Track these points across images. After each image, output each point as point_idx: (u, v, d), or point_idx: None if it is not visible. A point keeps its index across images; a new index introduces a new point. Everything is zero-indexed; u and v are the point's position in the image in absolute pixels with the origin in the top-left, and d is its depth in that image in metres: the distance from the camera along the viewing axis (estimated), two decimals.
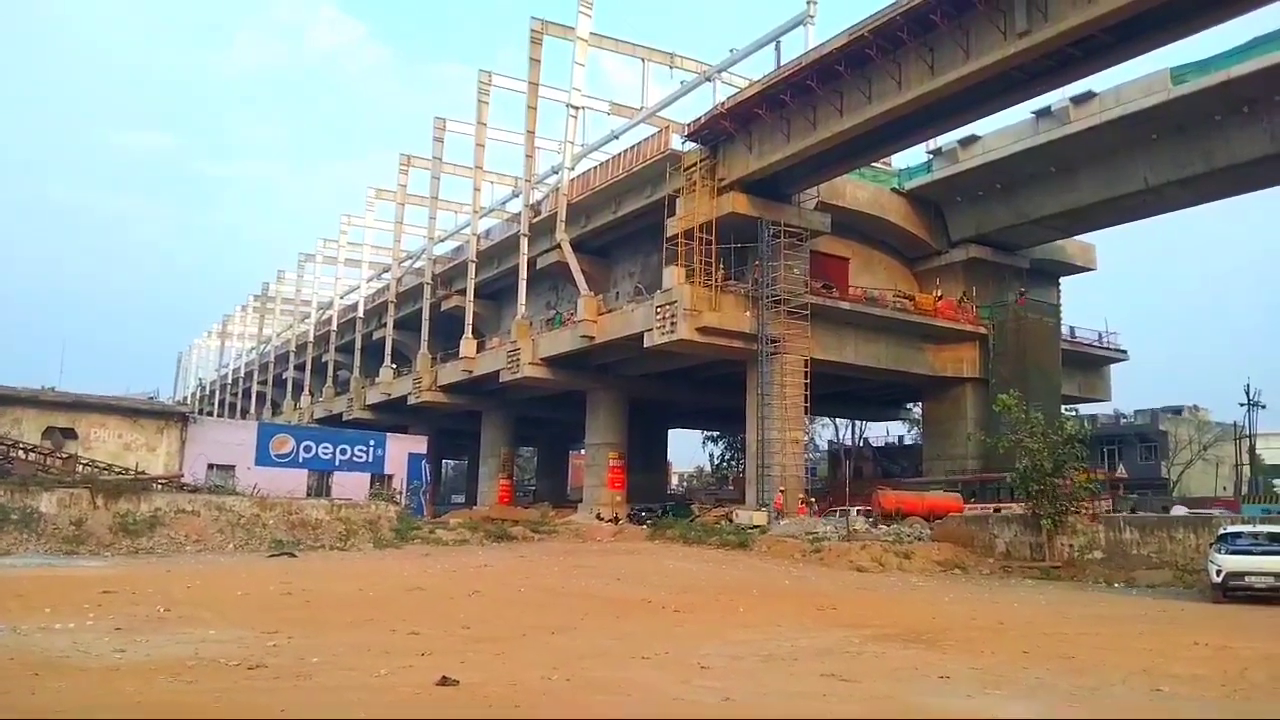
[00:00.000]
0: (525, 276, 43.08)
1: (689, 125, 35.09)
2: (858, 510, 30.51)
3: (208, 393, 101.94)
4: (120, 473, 27.34)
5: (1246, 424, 48.32)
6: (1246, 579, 16.66)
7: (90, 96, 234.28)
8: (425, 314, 53.41)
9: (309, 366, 72.89)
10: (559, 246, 40.67)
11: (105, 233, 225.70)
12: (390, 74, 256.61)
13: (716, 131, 34.00)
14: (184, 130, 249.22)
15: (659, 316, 33.40)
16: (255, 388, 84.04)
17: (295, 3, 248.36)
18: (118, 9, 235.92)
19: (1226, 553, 17.18)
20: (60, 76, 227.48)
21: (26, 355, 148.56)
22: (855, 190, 37.93)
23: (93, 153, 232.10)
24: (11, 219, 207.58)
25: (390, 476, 36.53)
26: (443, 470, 78.04)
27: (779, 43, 34.87)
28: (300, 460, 34.64)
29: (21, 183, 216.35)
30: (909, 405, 56.64)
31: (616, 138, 43.07)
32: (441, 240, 56.82)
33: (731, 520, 32.86)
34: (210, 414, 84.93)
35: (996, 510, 28.95)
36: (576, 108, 41.35)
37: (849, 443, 63.44)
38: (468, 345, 47.05)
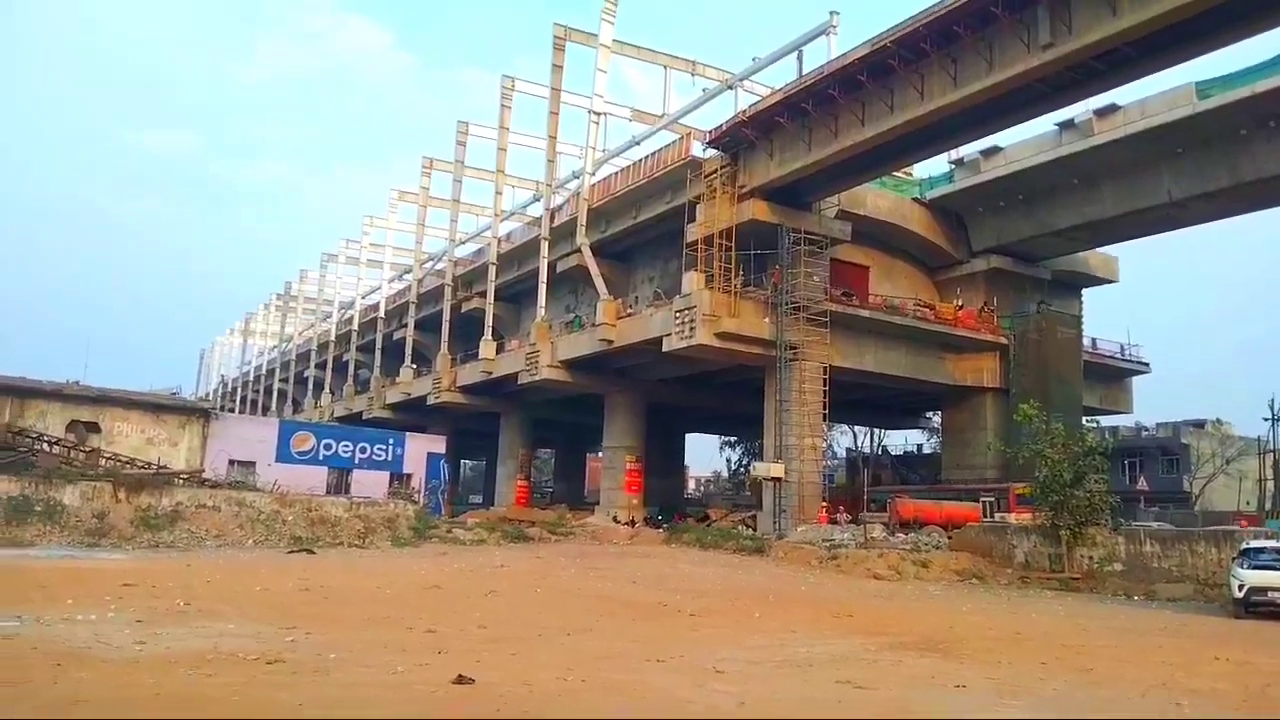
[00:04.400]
0: (545, 279, 43.22)
1: (710, 132, 35.09)
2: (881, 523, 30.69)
3: (230, 390, 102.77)
4: (142, 467, 27.61)
5: (1271, 438, 47.69)
6: (1269, 594, 16.46)
7: (117, 100, 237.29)
8: (445, 315, 53.67)
9: (330, 365, 73.36)
10: (579, 250, 40.77)
11: (130, 232, 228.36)
12: (414, 80, 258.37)
13: (738, 139, 34.00)
14: (209, 133, 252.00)
15: (678, 321, 33.41)
16: (277, 385, 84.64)
17: (323, 10, 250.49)
18: (147, 13, 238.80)
19: (1249, 567, 16.97)
20: (88, 79, 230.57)
21: (52, 352, 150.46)
22: (876, 199, 37.80)
23: (118, 154, 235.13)
24: (38, 219, 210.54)
25: (409, 475, 36.70)
26: (461, 470, 78.32)
27: (801, 52, 34.83)
28: (320, 458, 34.87)
29: (48, 184, 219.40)
30: (928, 414, 56.31)
31: (638, 144, 43.16)
32: (463, 242, 57.10)
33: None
34: (232, 410, 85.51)
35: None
36: (598, 114, 41.47)
37: (867, 450, 63.16)
38: (487, 347, 47.23)
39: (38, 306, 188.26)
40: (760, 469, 32.99)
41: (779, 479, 32.37)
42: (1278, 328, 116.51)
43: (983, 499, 33.45)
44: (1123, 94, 30.67)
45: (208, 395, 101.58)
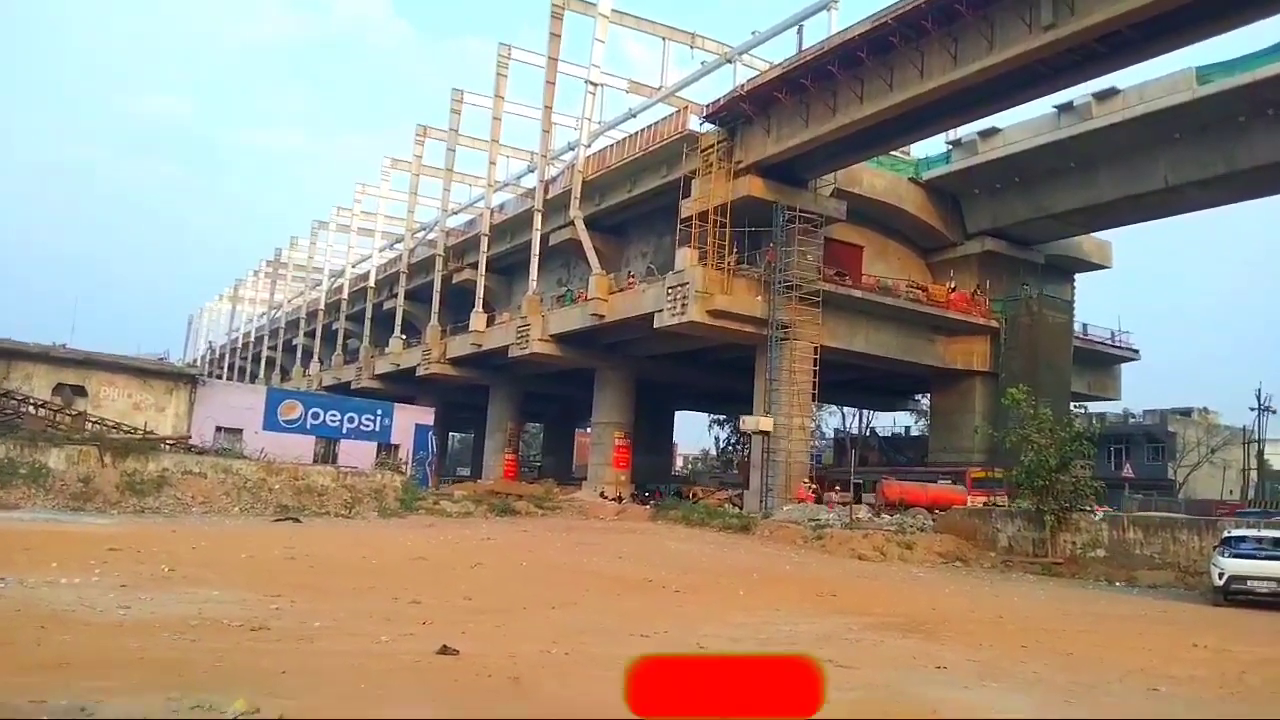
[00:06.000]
0: (538, 252, 43.03)
1: (708, 106, 34.86)
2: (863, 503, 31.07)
3: (218, 356, 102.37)
4: (129, 432, 27.45)
5: (1256, 428, 48.12)
6: (1249, 583, 16.59)
7: (110, 60, 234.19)
8: (436, 286, 53.45)
9: (319, 334, 73.11)
10: (573, 223, 40.56)
11: (121, 196, 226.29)
12: (412, 48, 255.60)
13: (735, 113, 33.77)
14: (203, 96, 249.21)
15: (670, 298, 33.33)
16: (265, 353, 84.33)
17: None
18: None
19: (1230, 556, 17.08)
20: (79, 39, 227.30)
21: (39, 313, 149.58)
22: (872, 178, 37.67)
23: (111, 116, 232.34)
24: (28, 179, 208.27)
25: (397, 446, 36.64)
26: (449, 442, 78.25)
27: (801, 27, 34.57)
28: (308, 427, 34.77)
29: (38, 144, 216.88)
30: (917, 396, 56.51)
31: (634, 116, 42.84)
32: (455, 213, 56.74)
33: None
34: (220, 377, 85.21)
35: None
36: (595, 84, 41.13)
37: (855, 431, 63.39)
38: (478, 319, 47.08)
39: (25, 267, 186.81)
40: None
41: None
42: (1267, 318, 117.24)
43: (940, 481, 33.75)
44: (1123, 77, 30.60)
45: (195, 361, 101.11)
